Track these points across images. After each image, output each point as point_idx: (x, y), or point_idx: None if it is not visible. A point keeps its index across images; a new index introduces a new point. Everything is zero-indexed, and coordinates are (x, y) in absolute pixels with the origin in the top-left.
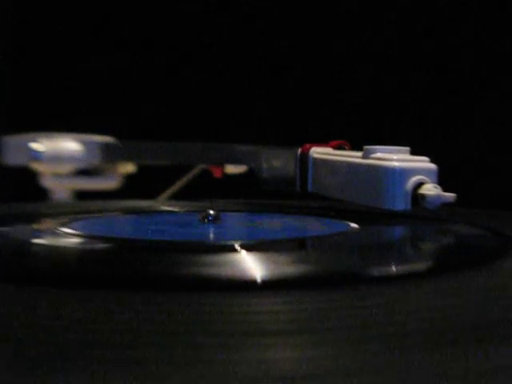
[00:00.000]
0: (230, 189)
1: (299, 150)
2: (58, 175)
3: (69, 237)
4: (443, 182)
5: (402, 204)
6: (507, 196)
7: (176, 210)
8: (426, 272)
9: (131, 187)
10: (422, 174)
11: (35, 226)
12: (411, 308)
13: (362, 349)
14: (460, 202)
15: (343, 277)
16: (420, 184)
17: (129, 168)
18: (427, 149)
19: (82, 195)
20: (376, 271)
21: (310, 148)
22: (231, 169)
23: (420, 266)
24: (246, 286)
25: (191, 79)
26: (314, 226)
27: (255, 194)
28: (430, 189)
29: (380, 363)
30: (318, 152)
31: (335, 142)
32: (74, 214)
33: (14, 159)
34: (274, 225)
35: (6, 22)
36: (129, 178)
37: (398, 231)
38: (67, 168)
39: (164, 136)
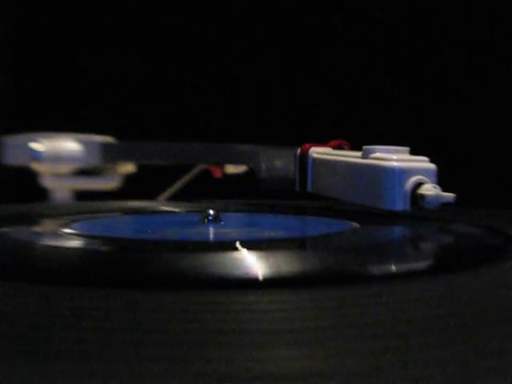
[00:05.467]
0: (230, 189)
1: (299, 150)
2: (57, 175)
3: (69, 237)
4: (443, 181)
5: (401, 204)
6: (507, 196)
7: (176, 210)
8: (426, 272)
9: (131, 187)
10: (421, 174)
11: (35, 226)
12: (411, 308)
13: (362, 348)
14: (460, 202)
15: (343, 276)
16: (419, 184)
17: (129, 168)
18: (427, 149)
19: (82, 195)
20: (376, 271)
21: (309, 148)
22: (231, 169)
23: (420, 265)
24: (246, 284)
25: (191, 79)
26: (314, 226)
27: (255, 193)
28: (430, 189)
29: (379, 362)
30: (317, 152)
31: (335, 142)
32: (74, 214)
33: (14, 159)
34: (274, 225)
35: (6, 23)
36: (129, 178)
37: (398, 231)
38: (67, 168)
39: (164, 136)
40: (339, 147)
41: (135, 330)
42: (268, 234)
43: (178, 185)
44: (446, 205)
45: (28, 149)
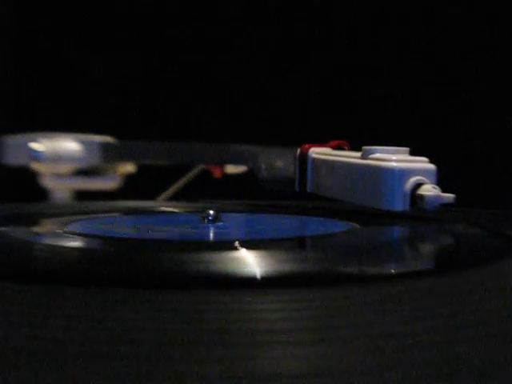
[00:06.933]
0: (230, 189)
1: (298, 150)
2: (58, 175)
3: (69, 237)
4: (442, 182)
5: (400, 205)
6: (507, 196)
7: (176, 210)
8: (426, 272)
9: (131, 187)
10: (420, 175)
11: (35, 226)
12: (411, 308)
13: (362, 348)
14: (460, 202)
15: (343, 276)
16: (419, 184)
17: (129, 168)
18: (426, 149)
19: (82, 195)
20: (375, 271)
21: (309, 148)
22: (231, 169)
23: (420, 266)
24: (246, 284)
25: (191, 79)
26: (313, 226)
27: (255, 194)
28: (429, 189)
29: (379, 362)
30: (317, 152)
31: (334, 142)
32: (74, 214)
33: (14, 159)
34: (274, 225)
35: (6, 23)
36: (129, 178)
37: (398, 231)
38: (67, 168)
39: (164, 136)
40: (339, 147)
41: (134, 329)
42: (267, 234)
43: (177, 185)
44: (445, 205)
45: (28, 149)
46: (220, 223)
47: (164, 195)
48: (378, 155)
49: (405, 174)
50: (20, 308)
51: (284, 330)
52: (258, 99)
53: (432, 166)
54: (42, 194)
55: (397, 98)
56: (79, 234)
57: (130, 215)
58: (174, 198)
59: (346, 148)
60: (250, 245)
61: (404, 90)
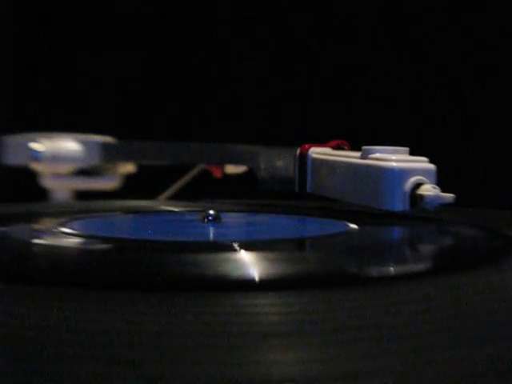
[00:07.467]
0: (230, 189)
1: (298, 150)
2: (58, 175)
3: (69, 237)
4: (442, 182)
5: (400, 204)
6: (507, 196)
7: (176, 209)
8: (426, 272)
9: (131, 187)
10: (420, 175)
11: (35, 226)
12: (411, 309)
13: (361, 350)
14: (460, 202)
15: (342, 277)
16: (419, 184)
17: (129, 168)
18: (426, 149)
19: (82, 195)
20: (375, 272)
21: (308, 148)
22: (231, 169)
23: (419, 266)
24: (245, 285)
25: (191, 79)
26: (313, 227)
27: (255, 193)
28: (429, 189)
29: (379, 365)
30: (316, 152)
31: (334, 142)
32: (74, 213)
33: (14, 159)
34: (274, 225)
35: (6, 23)
36: (129, 178)
37: (397, 232)
38: (67, 168)
39: (164, 136)
40: (339, 147)
41: (133, 330)
42: (267, 234)
43: (177, 185)
44: (445, 205)
45: (28, 149)
46: (220, 223)
47: (164, 195)
48: (377, 155)
49: (405, 173)
50: (19, 308)
51: (282, 334)
52: (258, 99)
53: (432, 166)
54: (42, 194)
55: (397, 98)
56: (79, 234)
57: (130, 215)
58: (175, 197)
59: (345, 148)
60: (249, 246)
61: (404, 90)
